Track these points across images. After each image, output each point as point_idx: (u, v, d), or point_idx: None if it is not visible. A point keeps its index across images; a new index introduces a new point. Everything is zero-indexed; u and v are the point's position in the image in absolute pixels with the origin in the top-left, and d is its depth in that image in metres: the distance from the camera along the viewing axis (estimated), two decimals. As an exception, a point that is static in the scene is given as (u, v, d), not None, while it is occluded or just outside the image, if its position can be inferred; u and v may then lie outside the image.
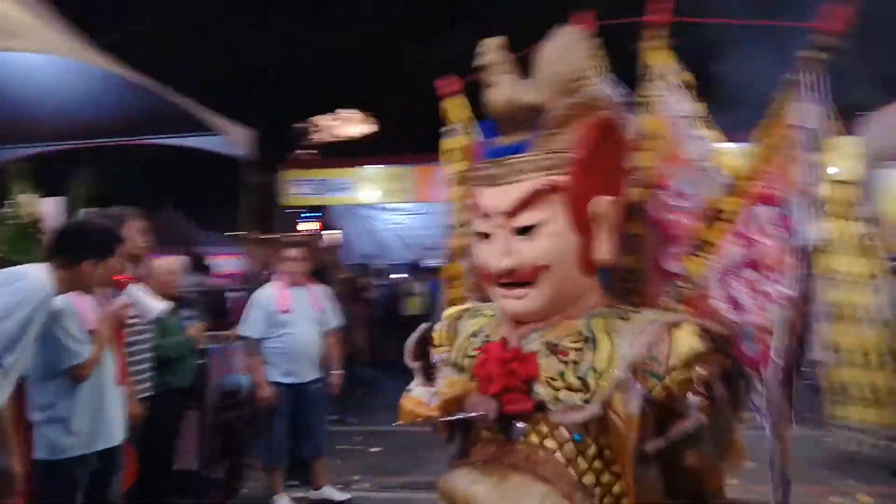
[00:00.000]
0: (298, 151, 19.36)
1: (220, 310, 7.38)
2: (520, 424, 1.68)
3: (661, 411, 1.58)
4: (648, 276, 1.95)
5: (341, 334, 5.45)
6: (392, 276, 14.25)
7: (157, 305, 3.93)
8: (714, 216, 1.88)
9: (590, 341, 1.69)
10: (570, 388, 1.63)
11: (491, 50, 1.87)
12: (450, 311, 2.08)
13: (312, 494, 5.13)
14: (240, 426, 5.32)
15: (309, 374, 5.02)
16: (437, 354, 1.99)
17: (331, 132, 21.86)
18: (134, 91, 6.73)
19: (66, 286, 2.92)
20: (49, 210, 4.38)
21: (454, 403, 1.74)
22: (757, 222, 1.85)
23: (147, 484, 3.95)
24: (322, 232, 17.67)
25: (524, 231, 1.74)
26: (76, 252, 2.99)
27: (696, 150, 1.98)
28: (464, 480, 1.74)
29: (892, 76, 15.43)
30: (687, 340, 1.60)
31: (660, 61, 2.09)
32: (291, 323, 4.94)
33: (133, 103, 7.18)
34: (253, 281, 8.86)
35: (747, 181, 1.85)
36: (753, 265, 1.86)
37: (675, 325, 1.64)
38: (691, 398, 1.57)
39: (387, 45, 18.79)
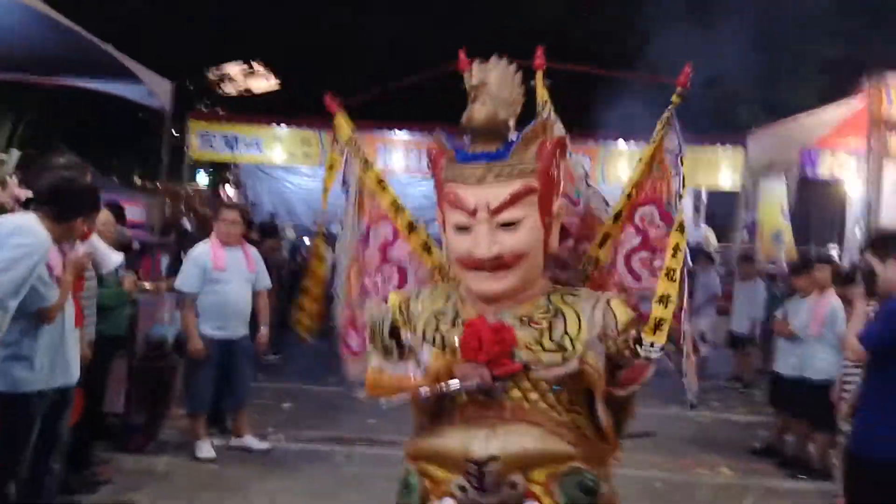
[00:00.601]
0: (206, 105, 18.94)
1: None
2: (500, 384, 2.06)
3: (610, 363, 2.08)
4: (567, 262, 2.51)
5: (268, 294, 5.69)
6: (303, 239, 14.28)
7: (116, 256, 4.09)
8: (616, 216, 2.50)
9: (557, 314, 2.14)
10: (549, 351, 2.07)
11: (479, 71, 2.26)
12: (394, 297, 2.41)
13: (233, 442, 5.39)
14: (164, 375, 5.50)
15: (239, 331, 5.26)
16: (407, 334, 2.27)
17: (239, 85, 21.42)
18: (57, 30, 6.60)
19: (56, 237, 3.13)
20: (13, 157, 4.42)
21: (443, 374, 2.08)
22: (646, 217, 2.52)
23: (77, 424, 4.12)
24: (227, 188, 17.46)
25: (507, 225, 2.14)
26: (71, 208, 3.30)
27: (580, 169, 2.64)
28: (455, 438, 2.09)
29: (772, 100, 16.80)
30: (623, 311, 2.13)
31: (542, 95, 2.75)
32: (225, 280, 5.15)
33: (55, 42, 7.03)
34: (166, 234, 8.86)
35: (636, 189, 2.50)
36: (646, 248, 2.53)
37: (609, 300, 2.17)
38: (648, 352, 2.10)
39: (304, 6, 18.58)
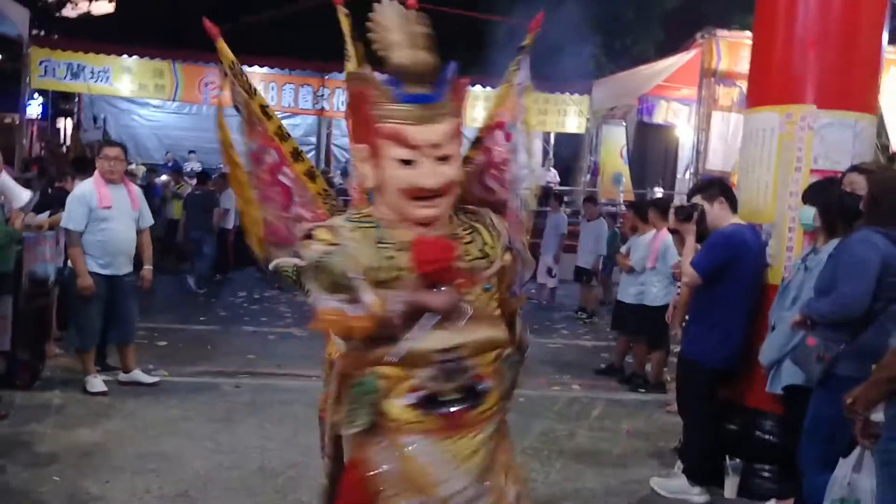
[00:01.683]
0: (40, 30, 17.47)
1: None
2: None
3: None
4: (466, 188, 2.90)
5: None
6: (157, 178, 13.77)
7: (25, 193, 4.07)
8: (474, 142, 2.86)
9: (473, 230, 2.61)
10: (476, 258, 2.53)
11: (387, 10, 2.51)
12: (322, 234, 2.56)
13: (122, 377, 5.48)
14: (46, 313, 5.48)
15: (124, 268, 5.32)
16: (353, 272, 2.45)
17: (80, 8, 19.91)
18: None
19: None
20: None
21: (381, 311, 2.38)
22: (495, 140, 2.88)
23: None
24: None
25: (444, 158, 2.49)
26: None
27: (520, 108, 2.95)
28: (432, 339, 2.45)
29: (616, 51, 17.85)
30: (502, 221, 2.68)
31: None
32: (111, 219, 5.18)
33: None
34: (26, 170, 8.45)
35: (491, 116, 2.89)
36: (495, 165, 2.91)
37: (492, 215, 2.69)
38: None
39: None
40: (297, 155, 2.99)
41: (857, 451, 2.72)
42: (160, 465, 3.99)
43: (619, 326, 7.04)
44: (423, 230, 2.58)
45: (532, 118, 3.02)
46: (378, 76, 2.58)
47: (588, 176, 17.73)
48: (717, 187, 4.07)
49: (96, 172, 5.29)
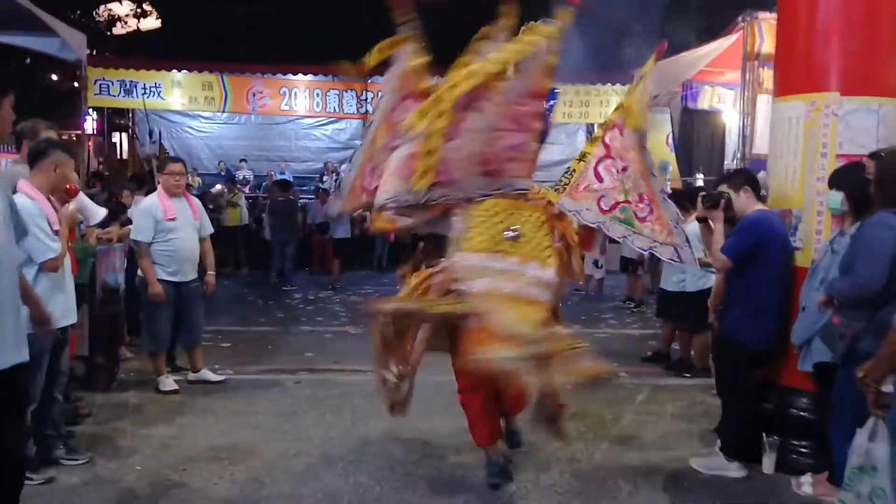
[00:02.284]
0: (93, 49, 18.15)
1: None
2: None
3: None
4: None
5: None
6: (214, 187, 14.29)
7: (100, 211, 4.47)
8: (591, 140, 3.90)
9: None
10: None
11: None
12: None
13: (191, 376, 5.87)
14: (118, 319, 5.89)
15: (190, 274, 5.71)
16: None
17: (129, 26, 20.56)
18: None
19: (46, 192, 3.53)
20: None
21: None
22: (612, 137, 3.78)
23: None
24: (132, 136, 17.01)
25: None
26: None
27: None
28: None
29: (657, 39, 17.73)
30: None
31: None
32: (176, 229, 5.56)
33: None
34: (90, 185, 8.95)
35: (608, 122, 3.86)
36: (608, 157, 3.74)
37: None
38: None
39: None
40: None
41: (871, 421, 2.88)
42: (231, 454, 4.33)
43: (663, 314, 7.16)
44: None
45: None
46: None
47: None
48: (742, 176, 4.23)
49: (160, 186, 5.67)
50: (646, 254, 10.11)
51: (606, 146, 3.73)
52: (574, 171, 3.71)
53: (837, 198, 3.69)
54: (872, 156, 3.41)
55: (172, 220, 5.54)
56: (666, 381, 6.36)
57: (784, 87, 4.29)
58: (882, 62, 3.98)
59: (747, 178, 4.22)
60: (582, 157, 3.77)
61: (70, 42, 8.82)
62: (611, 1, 13.65)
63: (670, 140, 18.00)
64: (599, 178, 3.72)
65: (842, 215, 3.75)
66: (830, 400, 3.48)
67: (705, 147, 18.87)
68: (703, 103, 15.42)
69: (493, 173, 3.56)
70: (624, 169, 3.67)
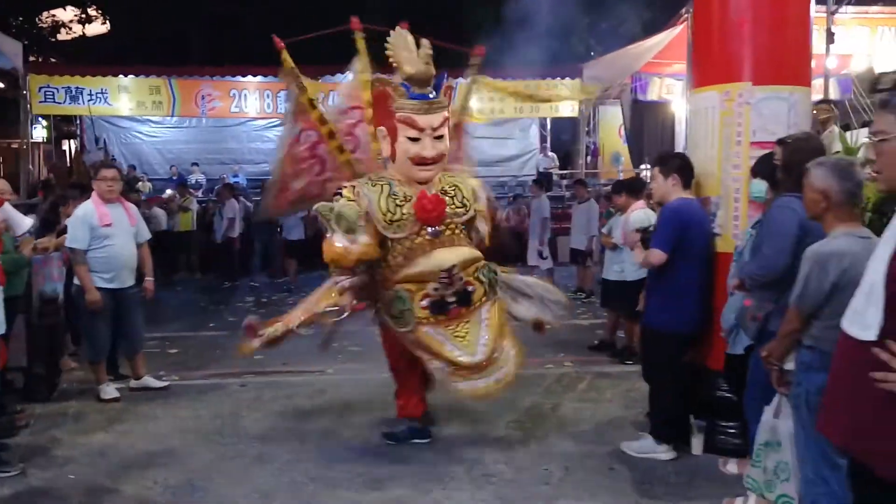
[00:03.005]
0: (37, 57, 17.83)
1: None
2: (437, 228, 4.14)
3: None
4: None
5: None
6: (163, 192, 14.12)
7: (27, 221, 4.41)
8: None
9: (455, 188, 4.26)
10: (458, 208, 4.20)
11: (399, 37, 4.15)
12: (347, 192, 4.09)
13: (133, 383, 5.83)
14: (57, 328, 5.82)
15: (128, 281, 5.66)
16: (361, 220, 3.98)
17: (73, 31, 20.25)
18: None
19: None
20: None
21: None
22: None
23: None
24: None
25: (439, 137, 4.00)
26: None
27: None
28: (434, 260, 4.04)
29: (605, 31, 18.01)
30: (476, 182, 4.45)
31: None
32: (112, 236, 5.51)
33: None
34: (31, 195, 8.82)
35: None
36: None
37: (472, 178, 4.46)
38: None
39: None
40: (331, 135, 4.47)
41: (776, 399, 3.01)
42: (169, 460, 4.33)
43: (606, 303, 7.31)
44: (423, 187, 4.11)
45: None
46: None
47: (588, 158, 17.91)
48: (675, 163, 4.25)
49: (94, 193, 5.61)
50: (595, 245, 10.34)
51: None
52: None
53: (762, 186, 3.77)
54: (780, 142, 3.53)
55: (108, 225, 5.48)
56: (609, 368, 6.49)
57: (700, 79, 4.42)
58: (790, 53, 4.13)
59: (680, 165, 4.23)
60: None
61: (5, 50, 8.67)
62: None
63: (622, 131, 18.29)
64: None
65: (765, 202, 3.85)
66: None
67: (655, 137, 19.16)
68: (653, 94, 15.70)
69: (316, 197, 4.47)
70: None
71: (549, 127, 18.62)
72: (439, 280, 3.99)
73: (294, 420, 5.05)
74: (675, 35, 12.81)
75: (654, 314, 4.21)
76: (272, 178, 4.74)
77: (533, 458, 4.32)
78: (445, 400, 5.15)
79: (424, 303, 4.03)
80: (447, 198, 4.18)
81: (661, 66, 14.65)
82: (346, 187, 4.13)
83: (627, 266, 6.52)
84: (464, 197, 4.24)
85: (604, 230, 7.27)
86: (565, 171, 17.80)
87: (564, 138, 19.21)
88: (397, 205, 4.07)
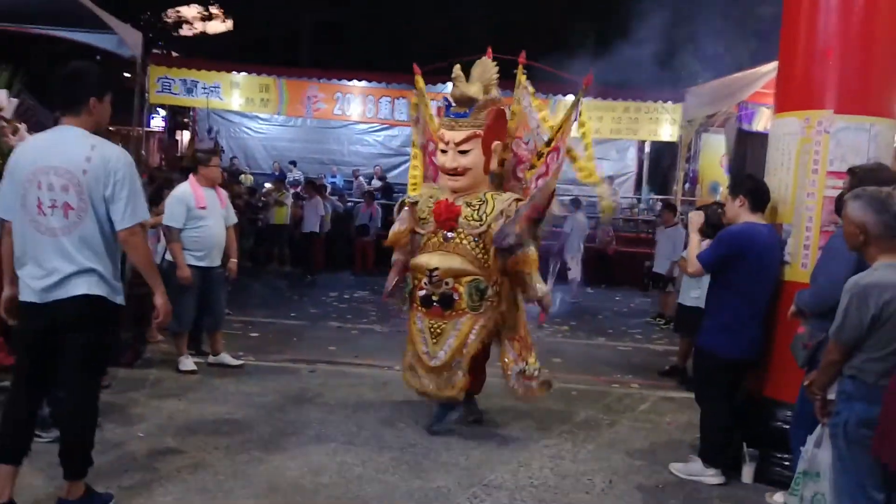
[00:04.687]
0: (160, 47, 18.97)
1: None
2: (450, 234, 4.61)
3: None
4: (506, 178, 4.97)
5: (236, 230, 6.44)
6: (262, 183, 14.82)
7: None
8: (539, 154, 4.70)
9: (485, 202, 4.61)
10: (474, 220, 4.57)
11: (456, 72, 4.62)
12: (417, 192, 5.01)
13: (211, 359, 6.19)
14: (146, 300, 6.22)
15: (216, 260, 6.03)
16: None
17: (195, 28, 21.44)
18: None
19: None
20: (3, 101, 5.05)
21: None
22: (551, 159, 4.65)
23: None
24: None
25: (463, 152, 4.56)
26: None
27: (533, 123, 4.82)
28: (424, 258, 4.61)
29: (709, 56, 17.65)
30: (515, 205, 4.56)
31: (521, 80, 4.93)
32: (206, 217, 5.89)
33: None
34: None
35: (552, 141, 4.65)
36: (546, 175, 4.62)
37: (517, 199, 4.62)
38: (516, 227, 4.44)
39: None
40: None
41: (818, 429, 2.95)
42: (232, 429, 4.60)
43: (680, 329, 7.18)
44: (452, 195, 4.61)
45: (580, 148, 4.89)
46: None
47: (686, 185, 17.52)
48: (745, 185, 4.22)
49: (192, 176, 6.00)
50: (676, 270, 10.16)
51: (547, 165, 4.64)
52: (526, 179, 4.84)
53: None
54: (849, 171, 3.47)
55: (203, 208, 5.87)
56: (675, 393, 6.38)
57: (782, 104, 4.36)
58: (876, 83, 4.03)
59: (750, 187, 4.20)
60: (530, 168, 4.80)
61: (126, 39, 9.33)
62: (663, 18, 13.68)
63: (724, 161, 17.79)
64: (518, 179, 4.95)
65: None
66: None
67: (759, 168, 18.37)
68: (759, 125, 15.19)
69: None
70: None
71: (646, 150, 18.34)
72: (428, 277, 4.53)
73: (354, 408, 5.24)
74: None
75: (710, 336, 4.17)
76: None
77: (578, 468, 4.35)
78: (506, 403, 5.27)
79: (421, 292, 4.61)
80: (469, 209, 4.59)
81: (770, 96, 14.14)
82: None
83: (705, 292, 6.41)
84: (486, 212, 4.57)
85: (683, 254, 7.16)
86: (660, 197, 17.48)
87: (663, 163, 18.88)
88: (429, 206, 4.70)
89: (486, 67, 4.72)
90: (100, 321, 3.28)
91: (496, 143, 4.71)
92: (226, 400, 5.25)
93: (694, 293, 6.61)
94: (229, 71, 14.82)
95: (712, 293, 4.18)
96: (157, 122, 19.09)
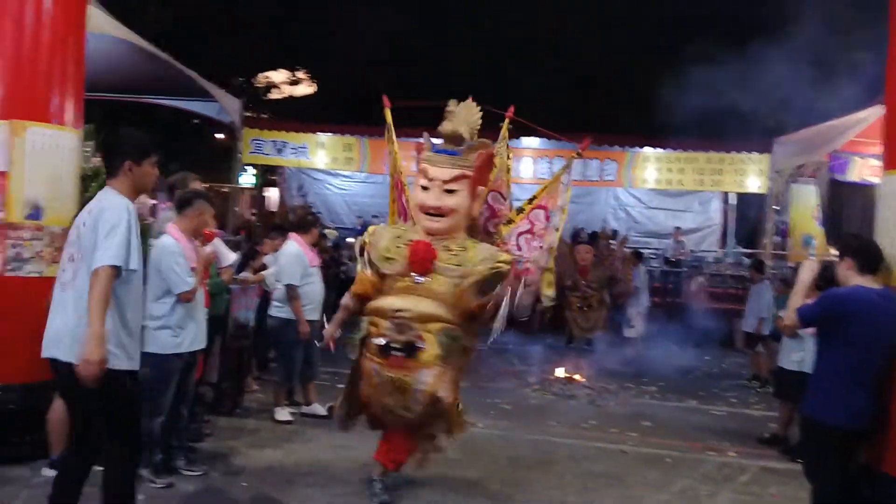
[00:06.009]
0: (252, 113, 19.90)
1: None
2: (421, 278, 4.16)
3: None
4: (480, 229, 4.59)
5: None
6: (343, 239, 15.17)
7: (232, 256, 5.09)
8: (518, 210, 4.66)
9: (465, 249, 4.20)
10: (452, 265, 4.14)
11: (451, 106, 4.40)
12: (371, 229, 4.46)
13: (304, 409, 6.34)
14: (245, 351, 6.46)
15: (317, 314, 6.23)
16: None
17: (283, 92, 22.41)
18: (148, 57, 7.60)
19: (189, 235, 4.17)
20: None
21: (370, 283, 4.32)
22: (535, 216, 4.54)
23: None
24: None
25: (449, 191, 4.19)
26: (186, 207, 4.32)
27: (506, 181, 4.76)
28: (388, 301, 4.13)
29: (799, 105, 17.31)
30: (504, 257, 4.24)
31: (504, 134, 4.90)
32: (314, 274, 6.19)
33: (146, 67, 8.04)
34: (236, 233, 9.87)
35: (535, 198, 4.63)
36: (530, 233, 4.54)
37: (497, 253, 4.25)
38: (545, 300, 4.68)
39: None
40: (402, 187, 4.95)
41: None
42: (327, 481, 4.70)
43: (781, 394, 6.77)
44: (430, 237, 4.21)
45: (565, 212, 4.73)
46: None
47: (777, 237, 16.97)
48: (850, 246, 4.01)
49: (298, 236, 6.22)
50: (765, 331, 9.75)
51: (531, 223, 4.59)
52: (501, 233, 4.69)
53: None
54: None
55: (314, 266, 6.18)
56: (777, 464, 6.02)
57: (892, 160, 4.21)
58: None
59: (856, 248, 3.98)
60: (507, 223, 4.69)
61: (227, 107, 9.86)
62: (750, 67, 13.47)
63: (817, 212, 17.15)
64: (518, 248, 4.67)
65: None
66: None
67: (855, 221, 17.70)
68: (853, 175, 14.70)
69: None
70: (540, 247, 4.64)
71: (730, 201, 17.91)
72: (391, 321, 4.04)
73: (442, 465, 5.20)
74: (880, 113, 11.97)
75: (816, 404, 3.92)
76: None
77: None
78: (595, 468, 5.14)
79: (379, 340, 4.08)
80: (448, 253, 4.18)
81: (864, 145, 13.70)
82: (372, 227, 4.59)
83: (808, 355, 6.13)
84: (465, 258, 4.18)
85: (781, 313, 6.87)
86: (748, 251, 16.99)
87: (749, 215, 18.37)
88: (398, 246, 4.23)
89: (472, 111, 4.43)
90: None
91: (481, 189, 4.39)
92: (318, 451, 5.35)
93: (795, 356, 6.27)
94: (315, 132, 15.42)
95: (819, 358, 3.99)
96: (247, 179, 19.89)
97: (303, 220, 6.40)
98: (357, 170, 16.40)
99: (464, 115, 4.37)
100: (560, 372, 8.85)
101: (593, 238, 12.52)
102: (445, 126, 4.33)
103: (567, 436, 6.26)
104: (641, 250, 12.66)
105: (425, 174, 4.27)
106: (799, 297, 4.03)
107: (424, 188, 4.26)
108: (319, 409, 6.32)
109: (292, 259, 6.07)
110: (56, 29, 4.79)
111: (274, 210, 16.93)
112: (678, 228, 16.28)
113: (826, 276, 4.22)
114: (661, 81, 17.65)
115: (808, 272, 4.12)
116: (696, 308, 13.11)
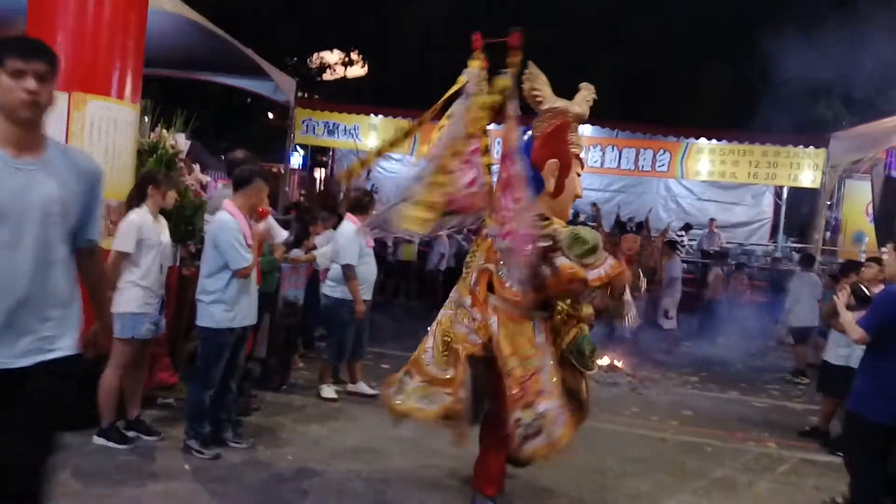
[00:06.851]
0: (306, 94, 20.13)
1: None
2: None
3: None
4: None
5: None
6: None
7: (284, 233, 5.24)
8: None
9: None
10: None
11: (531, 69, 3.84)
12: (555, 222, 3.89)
13: (350, 387, 6.48)
14: (294, 328, 6.63)
15: (370, 294, 6.36)
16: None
17: (336, 73, 22.59)
18: (205, 34, 7.71)
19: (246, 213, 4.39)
20: (181, 143, 5.58)
21: None
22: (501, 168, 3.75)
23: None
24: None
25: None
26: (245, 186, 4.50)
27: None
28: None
29: (856, 99, 16.81)
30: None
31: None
32: (369, 255, 6.25)
33: (204, 45, 8.19)
34: (286, 212, 10.07)
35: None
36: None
37: None
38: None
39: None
40: (486, 151, 3.96)
41: None
42: (370, 458, 4.82)
43: (824, 388, 6.77)
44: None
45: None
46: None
47: (828, 233, 16.63)
48: None
49: (354, 217, 6.25)
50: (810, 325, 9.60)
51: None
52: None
53: None
54: None
55: (370, 246, 6.25)
56: (817, 456, 6.06)
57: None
58: None
59: None
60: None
61: (282, 86, 10.03)
62: (807, 62, 13.19)
63: (869, 209, 16.76)
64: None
65: None
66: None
67: (908, 217, 17.24)
68: (909, 171, 14.33)
69: (461, 210, 3.89)
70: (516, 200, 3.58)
71: (784, 196, 17.56)
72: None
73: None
74: (940, 110, 11.67)
75: (862, 400, 3.93)
76: (423, 175, 3.99)
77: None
78: (635, 453, 5.19)
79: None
80: None
81: (922, 142, 13.35)
82: (548, 220, 3.78)
83: (856, 351, 6.07)
84: None
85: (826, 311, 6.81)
86: (798, 246, 16.69)
87: (802, 210, 18.01)
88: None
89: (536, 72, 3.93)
90: None
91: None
92: (363, 429, 5.47)
93: (842, 350, 6.25)
94: (367, 114, 15.55)
95: (867, 354, 3.99)
96: (296, 161, 20.18)
97: (359, 201, 6.43)
98: (407, 153, 16.47)
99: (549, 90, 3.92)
100: (603, 361, 8.88)
101: (639, 228, 12.43)
102: (584, 109, 3.97)
103: (609, 421, 6.30)
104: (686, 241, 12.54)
105: (581, 162, 4.01)
106: (849, 318, 4.04)
107: (578, 174, 3.97)
108: (365, 387, 6.47)
109: (347, 239, 6.12)
110: (118, 4, 4.88)
111: (321, 191, 17.18)
112: (712, 220, 16.09)
113: (859, 296, 4.24)
114: (717, 73, 17.39)
115: (843, 300, 4.22)
116: (727, 300, 12.86)
